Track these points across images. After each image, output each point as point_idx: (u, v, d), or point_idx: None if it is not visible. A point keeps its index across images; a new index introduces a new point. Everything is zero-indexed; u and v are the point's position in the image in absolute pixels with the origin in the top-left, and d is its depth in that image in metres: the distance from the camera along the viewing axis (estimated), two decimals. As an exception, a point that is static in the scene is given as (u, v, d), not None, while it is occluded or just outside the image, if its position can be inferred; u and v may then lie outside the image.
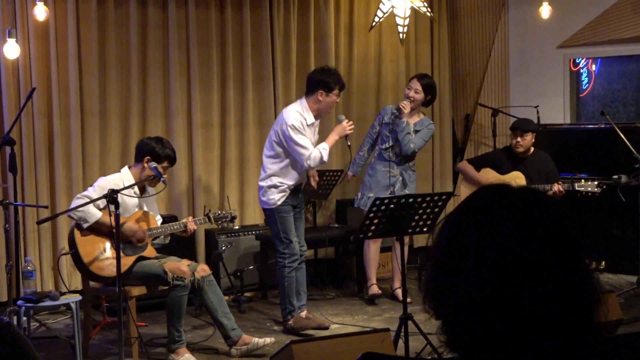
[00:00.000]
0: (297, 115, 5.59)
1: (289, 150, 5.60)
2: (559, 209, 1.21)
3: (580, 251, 1.18)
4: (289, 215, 5.70)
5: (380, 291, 6.57)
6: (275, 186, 5.66)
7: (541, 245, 1.16)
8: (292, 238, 5.70)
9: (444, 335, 1.22)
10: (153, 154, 5.13)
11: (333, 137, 5.66)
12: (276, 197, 5.66)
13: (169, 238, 5.40)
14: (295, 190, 5.73)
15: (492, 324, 1.15)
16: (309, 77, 5.78)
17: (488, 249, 1.17)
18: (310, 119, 5.64)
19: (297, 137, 5.52)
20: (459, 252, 1.20)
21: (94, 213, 4.93)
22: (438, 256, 1.24)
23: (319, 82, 5.63)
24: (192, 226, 5.22)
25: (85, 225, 4.93)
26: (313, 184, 6.21)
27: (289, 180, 5.66)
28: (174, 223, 5.29)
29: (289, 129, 5.54)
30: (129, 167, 5.24)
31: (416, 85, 6.34)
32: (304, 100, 5.69)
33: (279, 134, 5.62)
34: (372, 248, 6.54)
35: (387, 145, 6.41)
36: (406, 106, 6.25)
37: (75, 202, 4.93)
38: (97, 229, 4.97)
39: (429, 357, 4.90)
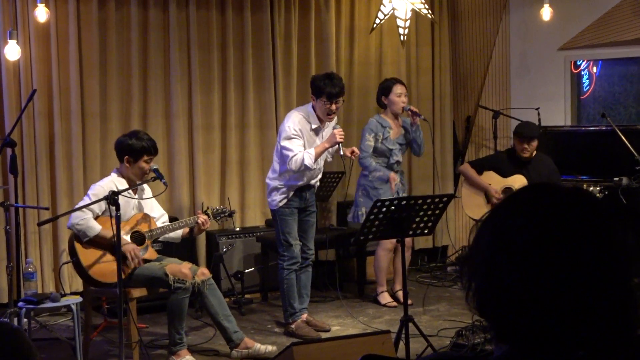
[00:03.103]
0: (296, 120, 5.56)
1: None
2: (607, 211, 1.23)
3: (625, 255, 1.20)
4: (290, 217, 5.68)
5: (395, 303, 6.51)
6: (277, 188, 5.66)
7: (588, 247, 1.19)
8: (291, 241, 5.68)
9: (490, 332, 1.26)
10: (130, 150, 5.05)
11: (323, 145, 5.54)
12: (277, 199, 5.66)
13: (180, 239, 5.39)
14: (300, 192, 5.72)
15: (539, 319, 1.19)
16: (310, 79, 5.77)
17: (540, 248, 1.19)
18: (315, 122, 5.61)
19: (284, 141, 5.51)
20: (508, 251, 1.21)
21: (94, 227, 4.90)
22: (485, 254, 1.25)
23: (312, 86, 5.62)
24: (204, 217, 5.22)
25: (85, 240, 4.91)
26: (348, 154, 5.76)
27: (292, 182, 5.65)
28: (174, 222, 5.30)
29: (283, 132, 5.55)
30: (116, 170, 5.19)
31: (404, 90, 6.42)
32: (311, 103, 5.68)
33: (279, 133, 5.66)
34: (385, 254, 6.51)
35: (395, 159, 6.39)
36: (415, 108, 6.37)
37: (75, 215, 4.88)
38: (97, 242, 4.95)
39: None
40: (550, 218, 1.21)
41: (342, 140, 5.49)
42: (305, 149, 5.51)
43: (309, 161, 5.44)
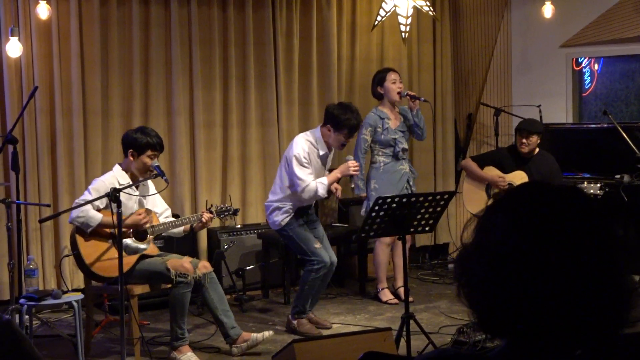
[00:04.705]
0: (305, 146, 5.55)
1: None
2: (603, 210, 1.25)
3: (617, 253, 1.23)
4: (300, 227, 5.65)
5: (396, 300, 6.49)
6: (278, 208, 5.66)
7: (585, 246, 1.21)
8: (313, 246, 5.62)
9: (476, 321, 1.32)
10: (135, 145, 5.07)
11: (335, 174, 5.59)
12: (279, 219, 5.65)
13: (181, 233, 5.39)
14: (301, 210, 5.70)
15: (538, 315, 1.21)
16: (326, 108, 5.71)
17: (538, 246, 1.21)
18: (323, 149, 5.61)
19: (297, 168, 5.50)
20: (508, 249, 1.23)
21: (95, 216, 4.91)
22: (484, 251, 1.27)
23: (331, 117, 5.56)
24: (208, 216, 5.23)
25: (88, 230, 4.92)
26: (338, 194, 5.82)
27: (295, 203, 5.64)
28: (176, 219, 5.30)
29: (293, 158, 5.52)
30: (120, 164, 5.21)
31: (398, 77, 6.44)
32: (318, 129, 5.66)
33: (286, 160, 5.61)
34: (384, 248, 6.51)
35: (400, 147, 6.38)
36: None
37: (76, 209, 4.89)
38: (99, 231, 4.96)
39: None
40: (547, 217, 1.22)
41: (356, 173, 5.61)
42: (313, 177, 5.53)
43: (322, 192, 5.50)
